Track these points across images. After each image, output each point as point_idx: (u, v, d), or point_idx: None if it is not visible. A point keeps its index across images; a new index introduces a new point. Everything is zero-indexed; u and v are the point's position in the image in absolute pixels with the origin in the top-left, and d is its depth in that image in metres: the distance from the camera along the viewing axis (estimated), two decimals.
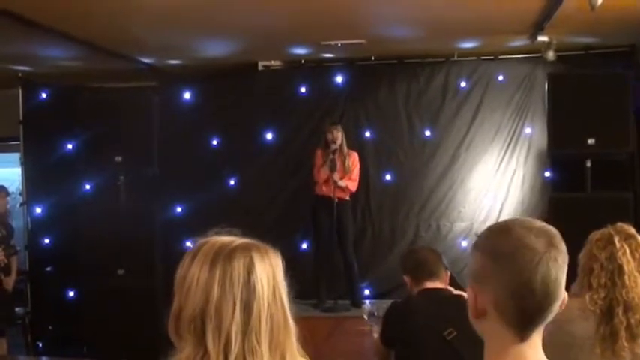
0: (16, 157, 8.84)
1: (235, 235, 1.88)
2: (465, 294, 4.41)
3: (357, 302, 7.71)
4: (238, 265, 1.77)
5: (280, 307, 1.79)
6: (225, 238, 1.86)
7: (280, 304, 1.79)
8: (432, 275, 4.13)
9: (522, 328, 1.65)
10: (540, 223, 1.69)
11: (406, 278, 4.25)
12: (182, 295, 1.78)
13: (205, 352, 1.73)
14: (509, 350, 1.66)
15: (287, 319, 1.80)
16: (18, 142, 8.54)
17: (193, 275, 1.78)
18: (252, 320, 1.74)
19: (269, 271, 1.80)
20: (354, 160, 7.95)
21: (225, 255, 1.80)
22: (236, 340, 1.73)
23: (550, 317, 1.65)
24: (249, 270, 1.77)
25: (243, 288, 1.76)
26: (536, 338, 1.67)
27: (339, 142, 7.79)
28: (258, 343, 1.74)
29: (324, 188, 7.83)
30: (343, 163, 7.82)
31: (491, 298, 1.66)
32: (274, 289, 1.79)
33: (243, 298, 1.75)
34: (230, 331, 1.73)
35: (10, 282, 7.55)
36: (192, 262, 1.80)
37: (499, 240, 1.67)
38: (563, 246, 1.65)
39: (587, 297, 2.86)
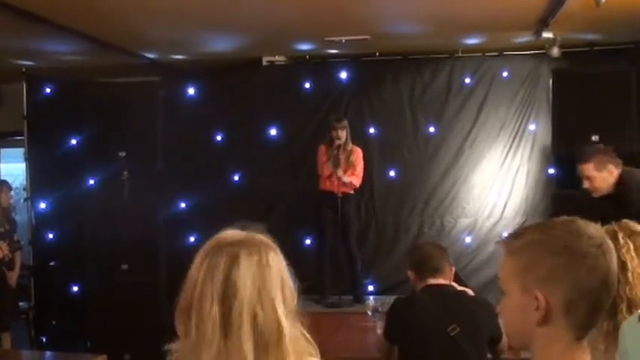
0: (20, 152, 8.86)
1: (259, 230, 1.88)
2: (469, 290, 4.41)
3: (359, 298, 7.72)
4: (222, 261, 1.78)
5: (270, 310, 1.77)
6: (234, 233, 1.87)
7: (270, 306, 1.77)
8: (436, 272, 4.13)
9: (587, 328, 1.64)
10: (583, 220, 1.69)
11: (410, 274, 4.25)
12: (183, 287, 1.82)
13: (192, 343, 1.76)
14: (564, 355, 1.64)
15: (279, 323, 1.77)
16: (22, 137, 8.56)
17: (192, 267, 1.81)
18: (233, 318, 1.74)
19: (256, 271, 1.78)
20: (357, 155, 7.93)
21: (215, 249, 1.81)
22: (214, 335, 1.73)
23: None
24: (231, 267, 1.77)
25: (223, 284, 1.76)
26: (585, 339, 1.67)
27: (343, 138, 7.77)
28: (240, 342, 1.73)
29: (327, 183, 7.83)
30: (347, 158, 7.80)
31: (561, 300, 1.62)
32: (260, 290, 1.77)
33: (220, 294, 1.75)
34: (208, 325, 1.74)
35: (13, 277, 7.56)
36: (198, 254, 1.83)
37: (569, 239, 1.63)
38: None
39: None
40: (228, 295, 1.74)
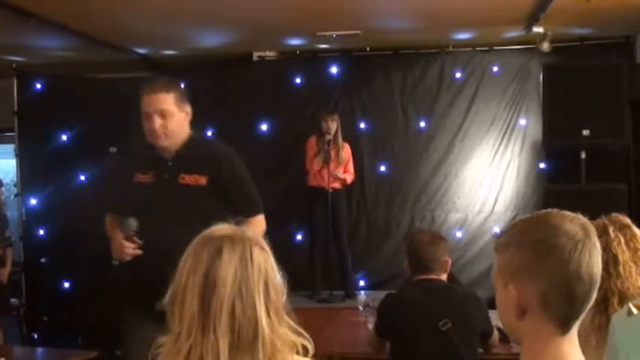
0: (10, 148, 8.83)
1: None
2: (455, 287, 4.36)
3: (351, 293, 7.71)
4: (205, 255, 1.78)
5: (249, 307, 1.76)
6: (223, 227, 1.87)
7: (250, 303, 1.76)
8: (427, 270, 4.08)
9: (567, 321, 1.63)
10: (568, 212, 1.68)
11: (405, 263, 4.22)
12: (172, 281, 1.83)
13: (175, 335, 1.77)
14: (550, 349, 1.64)
15: (257, 322, 1.76)
16: (12, 133, 8.53)
17: (181, 261, 1.82)
18: (211, 313, 1.73)
19: (238, 267, 1.77)
20: (347, 152, 7.92)
21: (201, 243, 1.82)
22: (191, 328, 1.74)
23: (591, 305, 1.65)
24: (213, 261, 1.77)
25: (203, 278, 1.76)
26: (575, 331, 1.66)
27: (333, 130, 7.74)
28: (216, 339, 1.72)
29: (317, 178, 7.80)
30: (337, 154, 7.78)
31: (535, 293, 1.62)
32: (241, 287, 1.76)
33: (200, 288, 1.75)
34: (186, 319, 1.75)
35: (5, 273, 7.55)
36: (188, 247, 1.84)
37: (538, 232, 1.64)
38: (594, 230, 1.66)
39: None
40: (208, 289, 1.74)
